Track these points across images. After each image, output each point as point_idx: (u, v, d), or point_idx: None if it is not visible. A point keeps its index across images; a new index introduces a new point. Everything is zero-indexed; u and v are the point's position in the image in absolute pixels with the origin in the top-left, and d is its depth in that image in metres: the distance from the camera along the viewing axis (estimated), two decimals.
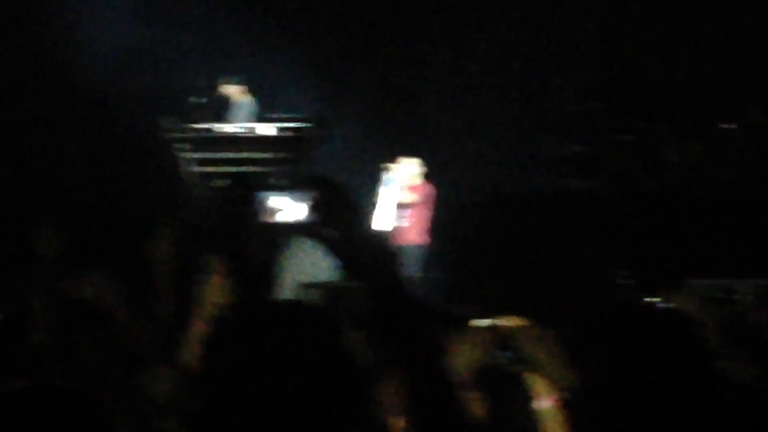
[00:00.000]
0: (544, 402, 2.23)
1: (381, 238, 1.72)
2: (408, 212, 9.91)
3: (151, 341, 3.81)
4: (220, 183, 10.63)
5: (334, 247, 1.67)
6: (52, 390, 2.31)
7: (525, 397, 2.13)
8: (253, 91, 11.46)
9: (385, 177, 10.04)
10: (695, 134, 10.46)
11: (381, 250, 1.67)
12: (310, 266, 9.72)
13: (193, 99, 10.98)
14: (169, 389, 2.49)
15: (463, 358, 2.70)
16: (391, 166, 10.06)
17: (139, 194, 11.40)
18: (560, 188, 10.50)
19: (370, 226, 1.71)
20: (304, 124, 11.05)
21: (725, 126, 10.54)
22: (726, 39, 11.37)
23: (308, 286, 8.78)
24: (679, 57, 11.36)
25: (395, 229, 9.84)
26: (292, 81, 11.98)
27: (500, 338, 2.05)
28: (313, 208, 1.68)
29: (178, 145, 11.00)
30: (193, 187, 10.97)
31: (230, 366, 1.67)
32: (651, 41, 11.55)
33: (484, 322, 2.10)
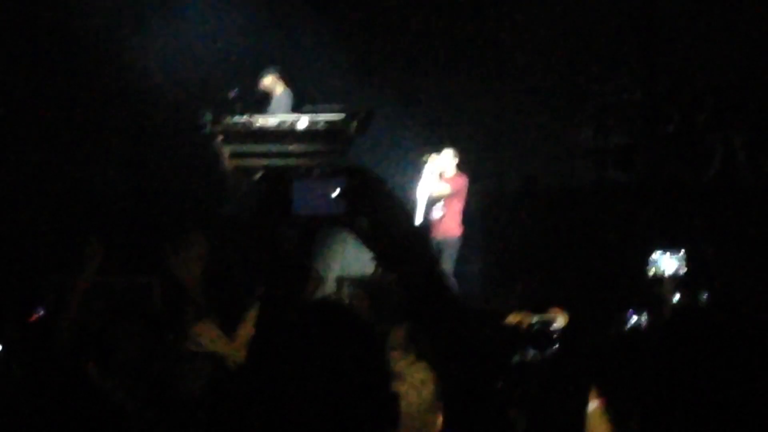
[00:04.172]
0: (590, 403, 2.21)
1: (415, 228, 1.68)
2: (443, 204, 9.88)
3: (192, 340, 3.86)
4: (259, 177, 10.66)
5: (366, 238, 1.66)
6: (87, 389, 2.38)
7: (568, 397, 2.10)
8: (292, 83, 11.48)
9: (423, 168, 10.01)
10: (737, 125, 10.33)
11: (415, 240, 1.65)
12: (347, 258, 9.80)
13: (233, 92, 11.00)
14: (207, 383, 2.53)
15: (496, 352, 2.69)
16: (429, 157, 10.02)
17: (180, 189, 11.50)
18: (599, 180, 10.43)
19: (404, 216, 1.72)
20: (344, 117, 11.04)
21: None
22: (767, 27, 11.22)
23: (344, 279, 8.85)
24: (719, 46, 11.23)
25: (430, 220, 9.82)
26: (332, 73, 12.01)
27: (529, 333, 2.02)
28: (343, 197, 1.67)
29: (218, 139, 11.04)
30: (233, 181, 11.01)
31: (268, 365, 1.69)
32: (691, 30, 11.42)
33: (515, 317, 2.08)
